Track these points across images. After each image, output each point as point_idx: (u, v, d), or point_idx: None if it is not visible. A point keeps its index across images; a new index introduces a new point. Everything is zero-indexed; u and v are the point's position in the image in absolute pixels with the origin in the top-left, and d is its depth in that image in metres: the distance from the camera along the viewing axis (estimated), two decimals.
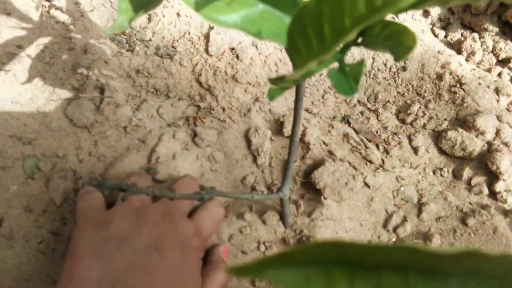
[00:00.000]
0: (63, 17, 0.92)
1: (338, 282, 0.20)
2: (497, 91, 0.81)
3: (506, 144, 0.74)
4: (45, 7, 0.94)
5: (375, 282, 0.20)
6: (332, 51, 0.26)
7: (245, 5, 0.32)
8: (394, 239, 0.70)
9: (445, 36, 0.94)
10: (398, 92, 0.87)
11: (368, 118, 0.86)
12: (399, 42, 0.29)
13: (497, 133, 0.76)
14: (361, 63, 0.31)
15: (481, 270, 0.20)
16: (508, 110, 0.80)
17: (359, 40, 0.32)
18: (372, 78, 0.90)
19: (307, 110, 0.87)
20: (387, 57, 0.90)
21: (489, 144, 0.75)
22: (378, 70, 0.90)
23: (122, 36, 0.92)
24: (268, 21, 0.33)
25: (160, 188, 0.58)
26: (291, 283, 0.19)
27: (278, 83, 0.32)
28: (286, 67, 0.91)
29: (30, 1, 0.95)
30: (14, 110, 0.81)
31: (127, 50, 0.90)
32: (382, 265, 0.20)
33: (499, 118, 0.78)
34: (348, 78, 0.32)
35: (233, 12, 0.32)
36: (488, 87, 0.81)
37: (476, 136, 0.76)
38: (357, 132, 0.83)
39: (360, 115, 0.87)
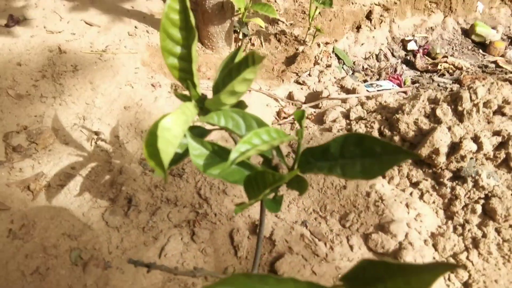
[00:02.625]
0: (106, 146, 1.20)
1: None
2: (407, 205, 1.06)
3: (411, 244, 0.96)
4: (94, 139, 1.22)
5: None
6: (263, 195, 0.51)
7: (224, 165, 0.58)
8: None
9: None
10: (341, 204, 1.11)
11: (320, 223, 1.09)
12: (301, 187, 0.54)
13: (406, 236, 0.99)
14: (281, 197, 0.57)
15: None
16: (415, 219, 1.04)
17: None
18: (323, 193, 1.15)
19: (277, 216, 1.11)
20: (333, 178, 1.16)
21: (400, 244, 0.97)
22: (327, 187, 1.15)
23: (146, 160, 1.18)
24: (236, 174, 0.58)
25: None
26: None
27: (240, 206, 0.57)
28: None
29: (83, 134, 1.24)
30: (66, 214, 1.04)
31: (149, 171, 1.16)
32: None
33: (408, 225, 1.01)
34: (276, 203, 0.57)
35: (217, 169, 0.57)
36: (401, 202, 1.06)
37: (391, 238, 0.98)
38: (311, 233, 1.05)
39: (314, 220, 1.10)
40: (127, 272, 0.94)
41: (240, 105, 0.62)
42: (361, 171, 0.49)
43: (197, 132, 0.66)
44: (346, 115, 1.30)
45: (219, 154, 0.60)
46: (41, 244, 0.97)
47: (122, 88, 1.35)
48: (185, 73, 0.57)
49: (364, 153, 0.49)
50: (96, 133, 1.23)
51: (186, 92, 0.59)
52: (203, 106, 0.61)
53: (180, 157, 0.62)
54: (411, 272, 0.35)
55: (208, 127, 0.69)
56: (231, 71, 0.55)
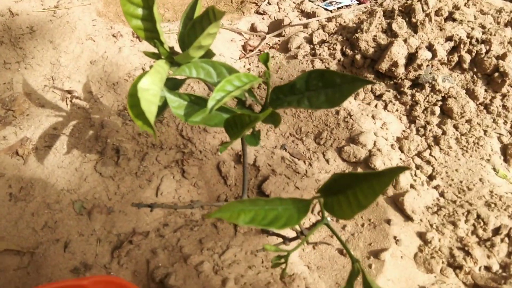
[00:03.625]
0: (82, 103, 1.22)
1: None
2: (373, 117, 1.14)
3: (379, 150, 1.07)
4: (68, 97, 1.23)
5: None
6: (242, 133, 0.57)
7: (204, 112, 0.63)
8: (314, 219, 1.01)
9: None
10: (314, 125, 1.19)
11: (297, 144, 1.17)
12: (275, 120, 0.60)
13: (374, 143, 1.09)
14: (259, 132, 0.63)
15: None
16: (381, 128, 1.13)
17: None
18: (297, 117, 1.22)
19: None
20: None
21: (370, 151, 1.07)
22: (300, 112, 1.22)
23: (125, 111, 1.21)
24: (216, 118, 0.64)
25: None
26: None
27: (224, 145, 0.63)
28: None
29: (56, 95, 1.24)
30: (60, 172, 1.09)
31: (129, 121, 1.20)
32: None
33: (375, 134, 1.11)
34: (255, 138, 0.64)
35: (197, 117, 0.63)
36: (367, 115, 1.15)
37: (361, 148, 1.08)
38: (290, 155, 1.14)
39: (292, 143, 1.19)
40: (129, 213, 1.03)
41: (208, 54, 0.66)
42: (325, 100, 0.55)
43: (172, 84, 0.70)
44: (309, 40, 1.33)
45: (196, 102, 0.65)
46: (44, 201, 1.03)
47: (84, 43, 1.33)
48: (150, 32, 0.60)
49: (326, 84, 0.55)
50: (69, 92, 1.24)
51: (149, 48, 0.62)
52: (173, 61, 0.64)
53: (161, 110, 0.67)
54: (373, 177, 0.43)
55: (181, 77, 0.73)
56: (194, 25, 0.58)
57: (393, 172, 0.40)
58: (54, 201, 1.04)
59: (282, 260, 0.57)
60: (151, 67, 0.58)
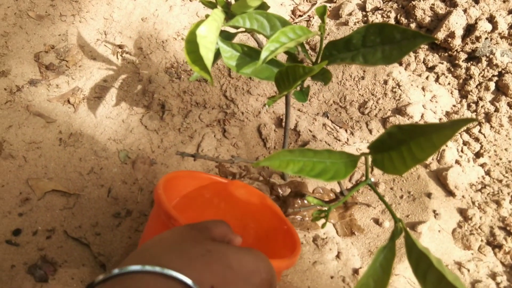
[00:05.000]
0: (132, 58, 1.24)
1: None
2: (423, 88, 1.10)
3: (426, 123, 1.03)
4: (119, 52, 1.26)
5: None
6: (294, 87, 0.56)
7: (255, 64, 0.63)
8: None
9: None
10: (359, 94, 1.16)
11: (340, 113, 1.16)
12: (325, 78, 0.59)
13: (422, 116, 1.05)
14: (308, 88, 0.62)
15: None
16: (431, 101, 1.09)
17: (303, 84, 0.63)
18: (342, 85, 1.19)
19: (299, 110, 1.18)
20: (352, 70, 1.19)
21: (416, 123, 1.04)
22: (346, 80, 1.19)
23: (172, 69, 1.23)
24: (266, 71, 0.64)
25: None
26: None
27: (272, 98, 0.63)
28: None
29: (107, 48, 1.27)
30: (108, 122, 1.13)
31: (176, 78, 1.22)
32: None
33: (424, 106, 1.07)
34: (303, 94, 0.63)
35: (248, 68, 0.62)
36: (417, 86, 1.11)
37: (408, 119, 1.05)
38: (332, 122, 1.13)
39: (335, 111, 1.17)
40: (171, 166, 1.06)
41: (263, 6, 0.65)
42: (382, 57, 0.54)
43: (225, 36, 0.70)
44: (362, 7, 1.28)
45: (248, 54, 0.64)
46: (91, 148, 1.08)
47: (136, 0, 1.35)
48: None
49: (385, 40, 0.53)
50: (120, 46, 1.27)
51: None
52: (228, 11, 0.64)
53: (213, 60, 0.67)
54: (433, 130, 0.40)
55: (232, 30, 0.73)
56: None
57: (457, 124, 0.38)
58: (100, 148, 1.08)
59: (323, 215, 0.57)
60: (207, 16, 0.58)
